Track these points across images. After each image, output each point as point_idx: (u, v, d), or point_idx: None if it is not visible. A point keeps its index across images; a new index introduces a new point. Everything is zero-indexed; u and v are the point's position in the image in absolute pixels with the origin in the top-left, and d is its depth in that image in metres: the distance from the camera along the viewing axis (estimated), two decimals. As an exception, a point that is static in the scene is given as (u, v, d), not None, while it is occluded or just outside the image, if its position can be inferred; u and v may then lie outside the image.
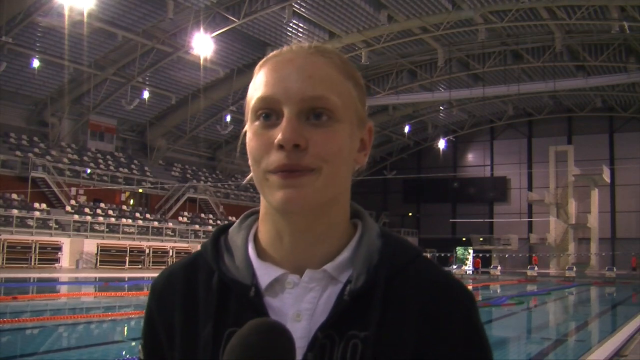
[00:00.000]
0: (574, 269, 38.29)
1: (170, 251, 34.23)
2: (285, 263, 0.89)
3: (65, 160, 35.62)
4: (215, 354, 0.84)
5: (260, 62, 0.90)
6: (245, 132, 0.89)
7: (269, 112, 0.85)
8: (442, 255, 49.54)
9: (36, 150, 34.56)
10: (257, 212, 0.96)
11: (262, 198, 0.89)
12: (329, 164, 0.84)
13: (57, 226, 31.14)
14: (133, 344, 8.75)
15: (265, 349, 0.74)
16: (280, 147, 0.82)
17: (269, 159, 0.83)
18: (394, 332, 0.85)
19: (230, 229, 0.97)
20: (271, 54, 0.91)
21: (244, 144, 0.89)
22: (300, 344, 0.82)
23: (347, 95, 0.88)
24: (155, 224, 37.03)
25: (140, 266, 32.23)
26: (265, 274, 0.89)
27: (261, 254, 0.91)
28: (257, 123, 0.86)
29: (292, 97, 0.84)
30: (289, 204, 0.83)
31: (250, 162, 0.87)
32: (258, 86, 0.87)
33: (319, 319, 0.85)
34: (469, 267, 50.65)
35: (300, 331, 0.84)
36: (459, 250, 55.92)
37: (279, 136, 0.82)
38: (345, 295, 0.85)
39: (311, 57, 0.87)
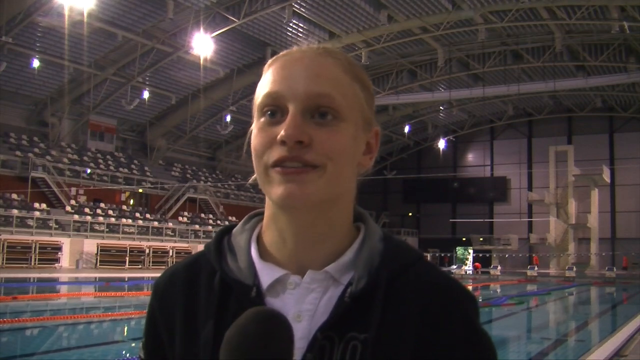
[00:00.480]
0: (574, 269, 38.30)
1: (170, 251, 34.21)
2: (288, 264, 0.89)
3: (65, 160, 35.62)
4: (216, 353, 0.83)
5: (270, 61, 0.91)
6: (252, 131, 0.89)
7: (274, 109, 0.85)
8: (442, 255, 49.53)
9: (36, 150, 34.56)
10: (261, 213, 0.96)
11: (267, 199, 0.89)
12: (333, 162, 0.84)
13: (57, 226, 31.13)
14: (133, 344, 8.75)
15: (263, 338, 0.74)
16: (283, 143, 0.82)
17: (270, 153, 0.84)
18: (393, 334, 0.84)
19: (234, 230, 0.97)
20: (281, 53, 0.91)
21: (250, 143, 0.89)
22: (300, 345, 0.82)
23: (353, 96, 0.88)
24: (155, 224, 37.02)
25: (140, 266, 32.22)
26: (267, 274, 0.89)
27: (264, 255, 0.92)
28: (262, 120, 0.86)
29: (298, 94, 0.84)
30: (290, 199, 0.83)
31: (253, 157, 0.87)
32: (265, 84, 0.87)
33: (320, 319, 0.85)
34: (468, 267, 50.63)
35: (301, 331, 0.83)
36: (459, 250, 55.91)
37: (282, 132, 0.82)
38: (346, 297, 0.85)
39: (319, 58, 0.88)
